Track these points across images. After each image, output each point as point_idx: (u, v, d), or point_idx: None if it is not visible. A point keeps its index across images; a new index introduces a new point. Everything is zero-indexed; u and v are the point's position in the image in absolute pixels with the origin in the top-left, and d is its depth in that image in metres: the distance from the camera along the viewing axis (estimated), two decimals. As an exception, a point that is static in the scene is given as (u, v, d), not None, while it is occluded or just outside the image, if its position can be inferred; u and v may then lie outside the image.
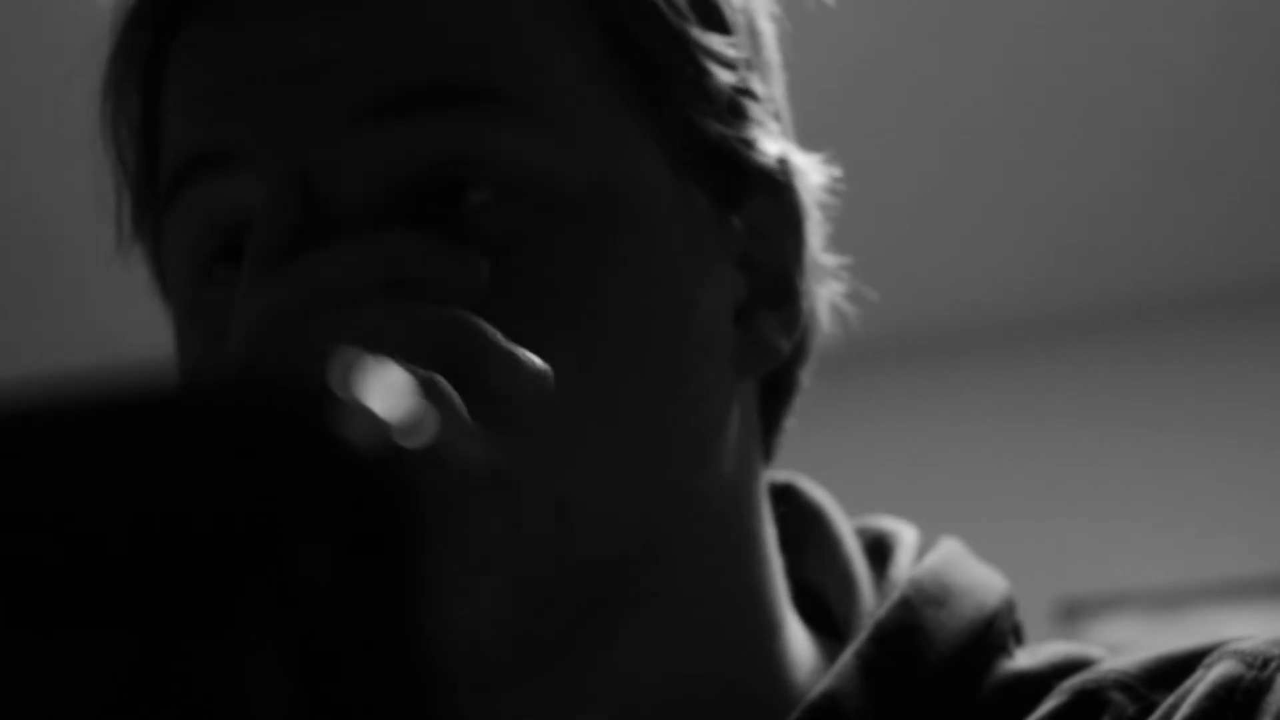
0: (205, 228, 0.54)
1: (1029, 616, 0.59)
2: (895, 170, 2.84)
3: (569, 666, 0.53)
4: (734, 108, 0.56)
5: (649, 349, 0.53)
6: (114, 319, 2.14)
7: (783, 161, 0.58)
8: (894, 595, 0.56)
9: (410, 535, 0.24)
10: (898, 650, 0.55)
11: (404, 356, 0.40)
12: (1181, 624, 3.19)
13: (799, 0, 0.65)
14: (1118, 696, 0.54)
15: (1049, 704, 0.55)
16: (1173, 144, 2.84)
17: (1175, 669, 0.55)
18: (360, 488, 0.23)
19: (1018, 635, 0.59)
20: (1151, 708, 0.54)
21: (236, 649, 0.23)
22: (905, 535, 0.62)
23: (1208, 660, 0.54)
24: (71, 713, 0.23)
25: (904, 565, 0.59)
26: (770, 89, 0.59)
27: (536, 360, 0.48)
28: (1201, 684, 0.53)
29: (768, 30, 0.60)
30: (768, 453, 0.60)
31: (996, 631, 0.57)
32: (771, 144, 0.57)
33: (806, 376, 0.61)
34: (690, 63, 0.55)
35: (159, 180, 0.56)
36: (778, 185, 0.58)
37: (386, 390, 0.24)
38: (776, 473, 0.62)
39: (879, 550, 0.61)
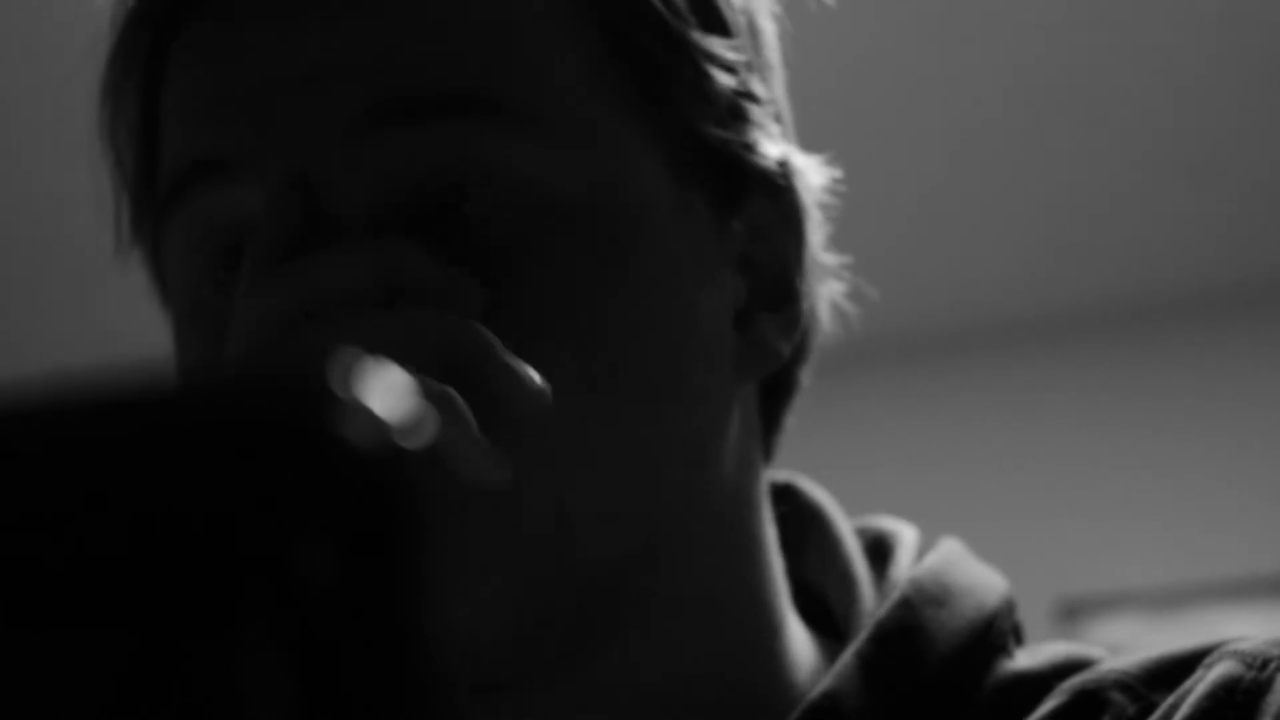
0: (205, 231, 0.54)
1: (1029, 616, 0.59)
2: (895, 170, 2.84)
3: (569, 667, 0.53)
4: (734, 111, 0.56)
5: (649, 354, 0.53)
6: (114, 319, 2.14)
7: (783, 164, 0.58)
8: (894, 595, 0.56)
9: (410, 535, 0.24)
10: (898, 650, 0.55)
11: (405, 361, 0.40)
12: (1181, 624, 3.19)
13: (799, 0, 0.65)
14: (1118, 696, 0.54)
15: (1049, 704, 0.55)
16: (1173, 144, 2.84)
17: (1175, 669, 0.55)
18: (360, 488, 0.23)
19: (1018, 635, 0.59)
20: (1151, 708, 0.54)
21: (236, 649, 0.23)
22: (905, 535, 0.62)
23: (1207, 660, 0.54)
24: (71, 713, 0.23)
25: (904, 565, 0.59)
26: (771, 90, 0.59)
27: (536, 376, 0.48)
28: (1201, 684, 0.53)
29: (769, 30, 0.60)
30: (768, 452, 0.60)
31: (996, 631, 0.57)
32: (772, 146, 0.57)
33: (807, 376, 0.61)
34: (690, 66, 0.55)
35: (159, 183, 0.56)
36: (778, 188, 0.57)
37: (386, 390, 0.24)
38: (776, 473, 0.62)
39: (879, 550, 0.61)
